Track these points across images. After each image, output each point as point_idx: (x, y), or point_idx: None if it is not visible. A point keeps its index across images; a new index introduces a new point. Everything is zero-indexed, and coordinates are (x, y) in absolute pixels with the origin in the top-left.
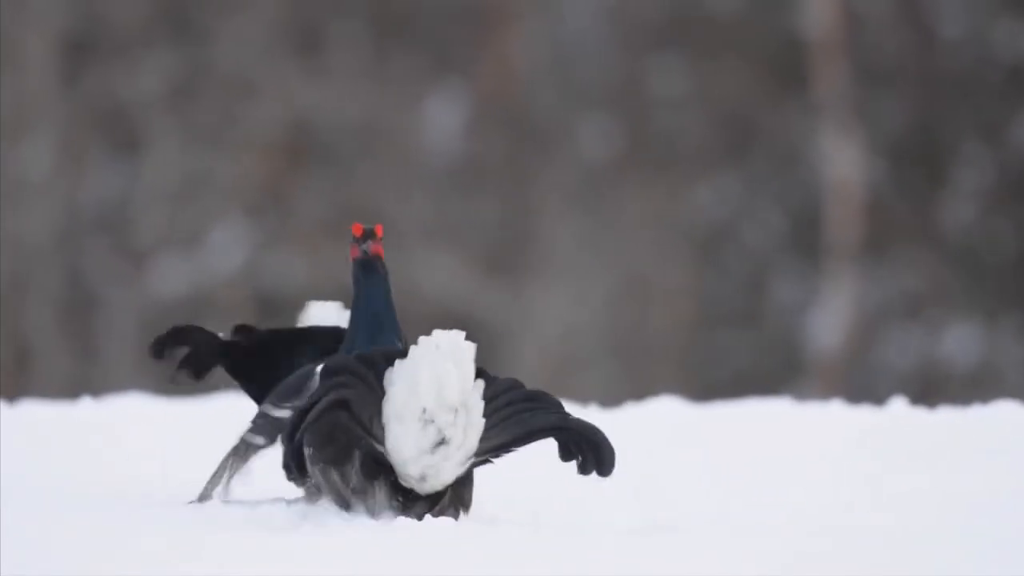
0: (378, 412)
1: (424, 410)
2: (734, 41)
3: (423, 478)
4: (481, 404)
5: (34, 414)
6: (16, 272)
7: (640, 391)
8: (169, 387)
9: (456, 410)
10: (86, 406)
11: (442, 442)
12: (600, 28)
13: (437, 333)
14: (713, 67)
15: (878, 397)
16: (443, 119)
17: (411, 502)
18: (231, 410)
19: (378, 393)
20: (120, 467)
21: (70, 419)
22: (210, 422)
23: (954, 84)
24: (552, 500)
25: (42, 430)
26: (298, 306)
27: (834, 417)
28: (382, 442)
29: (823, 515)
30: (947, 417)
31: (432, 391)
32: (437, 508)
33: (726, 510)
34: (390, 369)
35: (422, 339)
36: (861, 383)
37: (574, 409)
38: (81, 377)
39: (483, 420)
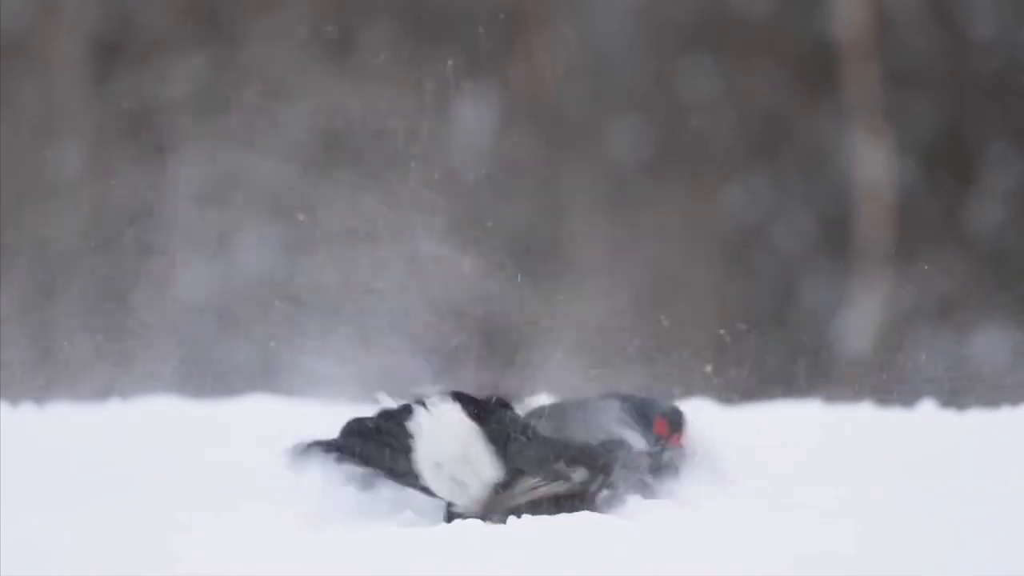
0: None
1: (436, 463)
2: (764, 43)
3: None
4: (485, 458)
5: (63, 416)
6: (44, 274)
7: (670, 393)
8: (197, 388)
9: (463, 462)
10: (115, 408)
11: (454, 486)
12: (630, 31)
13: (431, 402)
14: (744, 69)
15: (908, 399)
16: (474, 122)
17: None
18: (261, 412)
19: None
20: (149, 468)
21: (99, 421)
22: (240, 424)
23: (985, 86)
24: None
25: (71, 432)
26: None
27: (864, 419)
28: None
29: (850, 517)
30: (977, 419)
31: (435, 451)
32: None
33: (750, 510)
34: (411, 418)
35: (418, 410)
36: (891, 385)
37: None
38: (109, 379)
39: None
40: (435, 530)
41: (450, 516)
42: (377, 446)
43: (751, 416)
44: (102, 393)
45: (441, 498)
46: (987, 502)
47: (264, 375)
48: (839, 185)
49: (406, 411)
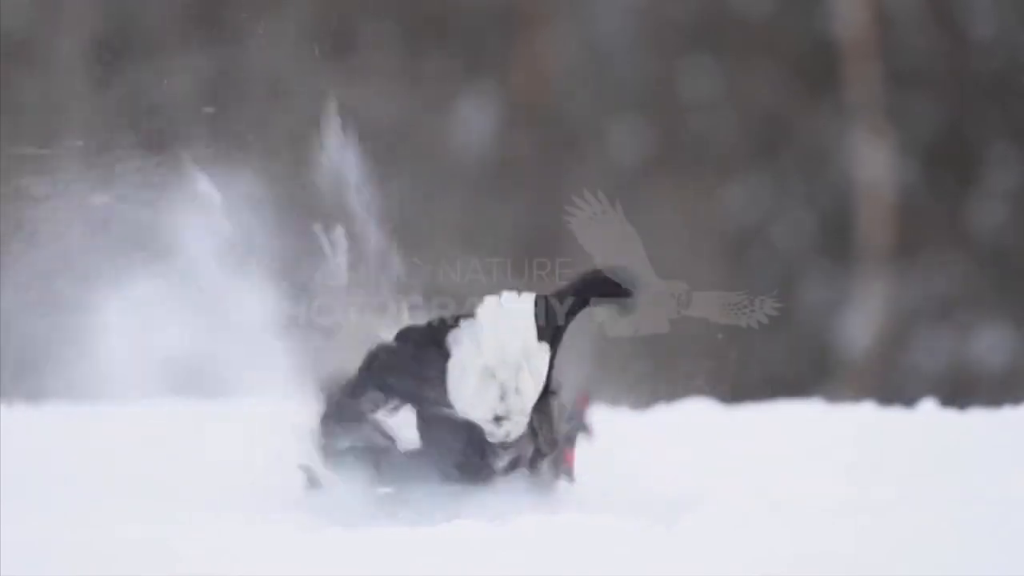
0: (441, 372)
1: (486, 367)
2: (765, 43)
3: (493, 431)
4: (546, 358)
5: (62, 416)
6: (43, 274)
7: (670, 393)
8: (196, 389)
9: (518, 365)
10: (116, 408)
11: (503, 396)
12: (631, 30)
13: (504, 295)
14: (744, 69)
15: (908, 399)
16: (475, 121)
17: (493, 457)
18: (261, 412)
19: (441, 354)
20: (149, 468)
21: (98, 421)
22: (239, 424)
23: (986, 86)
24: (570, 502)
25: (71, 432)
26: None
27: (865, 419)
28: (448, 403)
29: (850, 517)
30: (977, 419)
31: (494, 349)
32: (518, 461)
33: (751, 510)
34: (455, 330)
35: (488, 299)
36: (892, 385)
37: (604, 411)
38: (110, 379)
39: (545, 373)
40: (435, 530)
41: (482, 450)
42: (403, 376)
43: (751, 416)
44: (103, 393)
45: (478, 422)
46: (987, 502)
47: (264, 375)
48: (839, 185)
49: (444, 327)
